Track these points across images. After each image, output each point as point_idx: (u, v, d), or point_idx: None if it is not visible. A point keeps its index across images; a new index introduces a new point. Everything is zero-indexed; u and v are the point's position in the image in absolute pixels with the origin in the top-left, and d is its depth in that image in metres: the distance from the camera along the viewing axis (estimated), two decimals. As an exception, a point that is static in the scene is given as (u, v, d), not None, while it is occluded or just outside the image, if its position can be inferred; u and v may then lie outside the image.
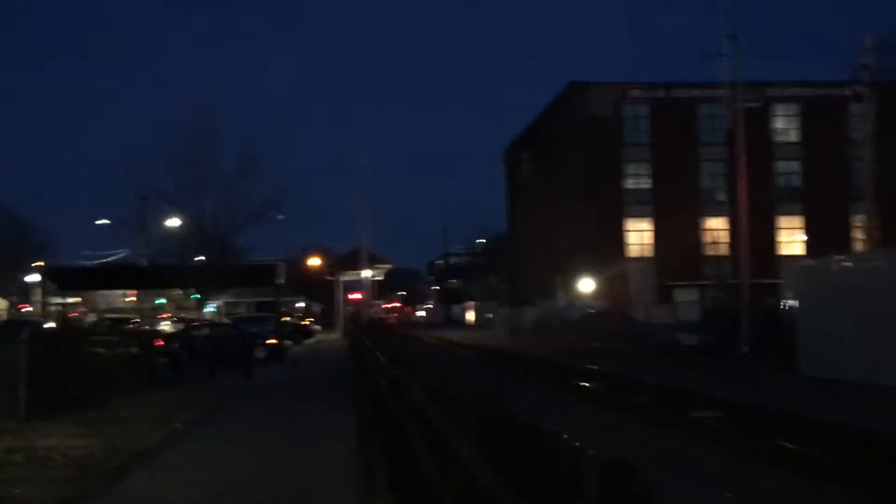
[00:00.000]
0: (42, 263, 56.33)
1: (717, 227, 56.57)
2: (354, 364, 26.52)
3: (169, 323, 55.13)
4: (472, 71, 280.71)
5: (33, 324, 36.01)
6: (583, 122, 59.27)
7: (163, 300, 66.47)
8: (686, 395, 17.73)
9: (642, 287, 55.92)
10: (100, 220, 51.83)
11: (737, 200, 30.77)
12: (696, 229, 56.88)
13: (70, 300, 58.74)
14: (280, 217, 29.59)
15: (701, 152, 58.37)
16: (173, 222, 31.24)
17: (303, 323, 64.53)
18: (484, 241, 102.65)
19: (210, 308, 64.80)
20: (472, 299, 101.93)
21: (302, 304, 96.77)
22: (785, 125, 59.70)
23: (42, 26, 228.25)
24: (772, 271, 50.16)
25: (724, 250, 53.70)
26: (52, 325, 40.38)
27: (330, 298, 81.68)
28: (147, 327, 40.44)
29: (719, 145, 52.90)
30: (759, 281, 41.26)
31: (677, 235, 54.63)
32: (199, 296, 29.62)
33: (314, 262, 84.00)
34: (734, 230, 39.57)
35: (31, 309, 65.28)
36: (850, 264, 21.13)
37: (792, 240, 58.43)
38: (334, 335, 64.19)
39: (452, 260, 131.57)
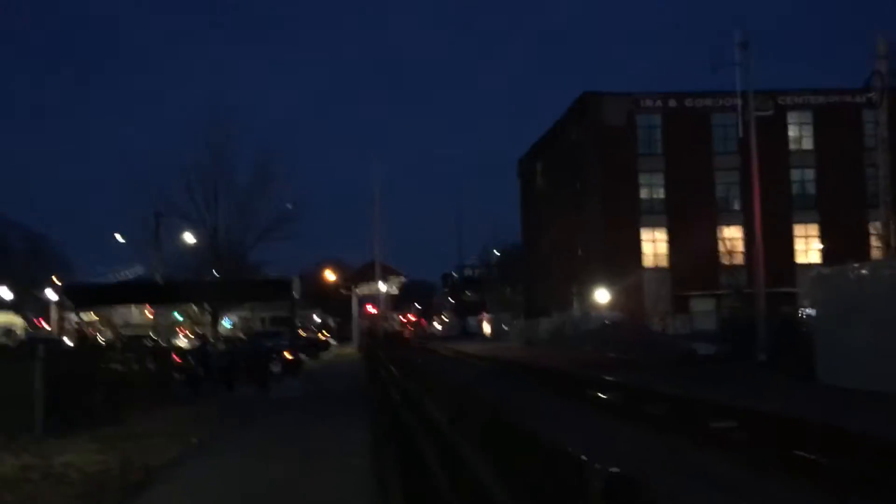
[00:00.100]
0: (58, 281, 56.68)
1: (732, 236, 56.36)
2: (370, 377, 26.51)
3: (185, 338, 55.39)
4: (487, 82, 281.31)
5: (51, 341, 36.20)
6: (596, 132, 59.29)
7: (179, 316, 66.76)
8: (703, 405, 17.59)
9: (658, 297, 55.72)
10: (117, 236, 52.19)
11: (751, 209, 30.64)
12: (711, 238, 56.67)
13: (86, 317, 58.99)
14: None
15: (715, 161, 58.23)
16: (188, 238, 31.37)
17: (319, 337, 64.64)
18: (498, 252, 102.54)
19: (226, 323, 65.05)
20: (487, 311, 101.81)
21: (318, 318, 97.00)
22: (798, 133, 59.50)
23: (57, 41, 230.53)
24: (789, 280, 49.97)
25: (739, 259, 53.48)
26: (68, 341, 40.55)
27: (346, 312, 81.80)
28: (163, 343, 40.57)
29: (733, 154, 52.77)
30: (775, 289, 41.06)
31: (692, 245, 54.42)
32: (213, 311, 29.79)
33: (330, 275, 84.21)
34: (749, 239, 39.44)
35: (48, 327, 65.68)
36: (866, 272, 20.97)
37: (808, 248, 58.12)
38: (350, 349, 64.23)
39: (467, 272, 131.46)
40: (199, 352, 32.56)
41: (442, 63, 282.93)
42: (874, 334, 19.45)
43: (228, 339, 40.87)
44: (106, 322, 71.11)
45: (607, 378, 26.27)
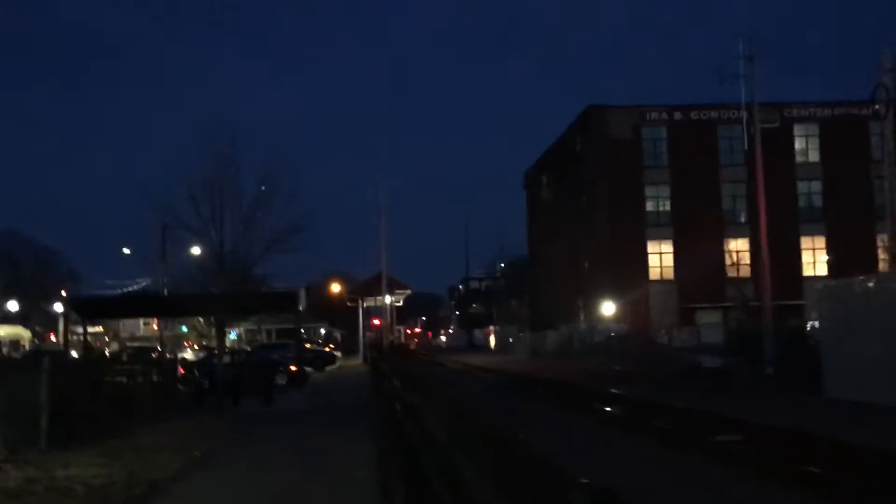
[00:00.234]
0: (64, 293, 56.87)
1: (738, 248, 56.26)
2: (375, 390, 26.50)
3: (190, 351, 55.44)
4: (493, 95, 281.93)
5: (57, 353, 36.28)
6: (602, 145, 59.34)
7: (185, 328, 66.85)
8: (709, 419, 17.56)
9: (664, 309, 55.60)
10: (124, 249, 52.35)
11: (757, 221, 30.58)
12: (717, 251, 56.54)
13: (92, 329, 59.14)
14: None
15: (721, 173, 58.21)
16: (194, 250, 31.40)
17: (324, 349, 64.59)
18: (505, 265, 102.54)
19: (232, 336, 65.06)
20: (493, 324, 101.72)
21: (324, 331, 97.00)
22: (805, 145, 59.44)
23: (65, 55, 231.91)
24: (795, 292, 49.80)
25: (746, 272, 53.36)
26: (74, 353, 40.64)
27: (352, 324, 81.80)
28: (169, 356, 40.61)
29: (739, 166, 52.77)
30: (782, 302, 40.92)
31: (699, 257, 54.31)
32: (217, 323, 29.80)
33: (335, 288, 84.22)
34: (756, 251, 39.37)
35: (53, 339, 65.89)
36: (872, 285, 20.90)
37: (815, 260, 57.97)
38: (356, 361, 64.17)
39: (473, 284, 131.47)
40: (205, 364, 32.58)
41: (449, 75, 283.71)
42: (880, 347, 19.37)
43: (234, 352, 40.91)
44: (112, 334, 71.34)
45: (613, 391, 26.24)
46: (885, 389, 18.84)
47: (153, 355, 38.61)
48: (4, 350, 47.82)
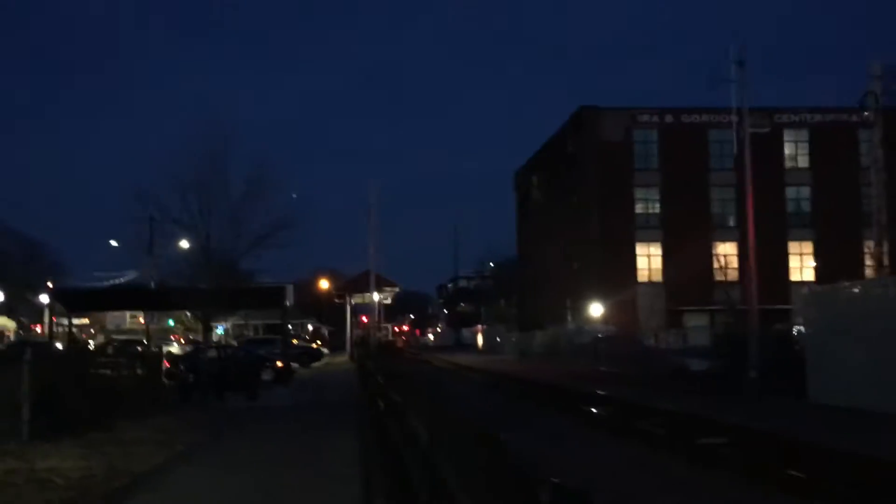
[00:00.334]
0: (51, 285, 56.60)
1: (727, 252, 56.42)
2: (361, 387, 26.46)
3: (177, 345, 55.23)
4: (485, 95, 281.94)
5: (42, 345, 36.08)
6: (593, 147, 59.39)
7: (171, 322, 66.62)
8: (693, 421, 17.60)
9: (652, 311, 55.73)
10: (111, 241, 52.15)
11: (746, 225, 30.65)
12: (706, 254, 56.71)
13: (78, 322, 58.86)
14: (293, 195, 29.49)
15: (711, 177, 58.37)
16: (182, 244, 31.31)
17: (311, 346, 64.47)
18: (494, 264, 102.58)
19: (218, 330, 64.85)
20: (481, 323, 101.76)
21: (311, 327, 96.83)
22: (794, 151, 59.66)
23: (55, 48, 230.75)
24: (783, 297, 50.02)
25: (734, 275, 53.51)
26: (59, 345, 40.45)
27: (340, 321, 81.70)
28: (154, 349, 40.47)
29: (729, 170, 52.90)
30: (769, 306, 41.02)
31: (687, 260, 54.45)
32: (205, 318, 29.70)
33: (324, 284, 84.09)
34: (744, 255, 39.44)
35: (39, 330, 65.57)
36: (857, 290, 20.98)
37: (803, 265, 58.20)
38: (343, 358, 64.09)
39: (462, 283, 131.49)
40: (190, 359, 32.48)
41: (441, 75, 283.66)
42: (865, 353, 19.44)
43: (220, 347, 40.80)
44: (98, 327, 71.05)
45: (599, 392, 26.27)
46: (869, 395, 18.91)
47: (138, 349, 38.45)
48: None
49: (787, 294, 51.35)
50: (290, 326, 59.82)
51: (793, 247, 58.63)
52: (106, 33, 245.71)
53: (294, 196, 27.12)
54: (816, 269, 55.99)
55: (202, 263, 26.56)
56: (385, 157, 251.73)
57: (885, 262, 27.62)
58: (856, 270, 43.05)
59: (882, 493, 10.77)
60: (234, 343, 51.25)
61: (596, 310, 56.04)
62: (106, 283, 64.07)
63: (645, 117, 59.69)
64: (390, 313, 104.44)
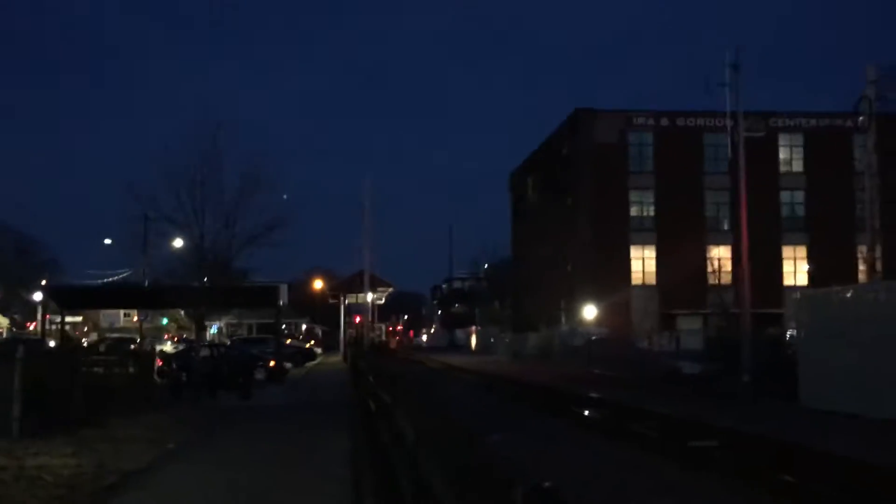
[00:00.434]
0: (45, 282, 56.47)
1: (721, 255, 56.51)
2: (354, 387, 26.45)
3: (170, 343, 55.17)
4: (480, 97, 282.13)
5: (34, 342, 36.01)
6: (588, 149, 59.45)
7: (165, 320, 66.54)
8: (685, 425, 17.65)
9: (645, 314, 55.80)
10: (106, 239, 52.01)
11: (740, 229, 30.72)
12: (700, 257, 56.79)
13: (71, 319, 58.74)
14: (284, 197, 29.51)
15: (705, 181, 58.46)
16: (176, 243, 31.26)
17: (305, 345, 64.44)
18: (488, 265, 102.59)
19: (212, 329, 64.75)
20: (475, 324, 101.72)
21: (305, 327, 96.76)
22: (789, 155, 59.81)
23: (49, 46, 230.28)
24: (776, 301, 50.10)
25: (727, 279, 53.58)
26: (51, 342, 40.38)
27: (334, 321, 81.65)
28: (147, 347, 40.41)
29: (724, 174, 52.94)
30: (763, 310, 41.05)
31: (681, 263, 54.54)
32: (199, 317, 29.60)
33: (318, 284, 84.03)
34: (737, 259, 39.54)
35: (32, 328, 65.43)
36: (850, 295, 21.03)
37: (796, 269, 58.33)
38: (336, 358, 64.05)
39: (456, 284, 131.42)
40: (183, 357, 32.44)
41: (438, 76, 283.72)
42: (856, 358, 19.49)
43: (213, 345, 40.72)
44: (92, 324, 70.96)
45: (592, 395, 26.31)
46: (859, 400, 18.96)
47: (131, 347, 38.41)
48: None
49: (781, 298, 51.44)
50: (283, 326, 59.76)
51: (786, 251, 58.76)
52: (104, 32, 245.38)
53: (285, 197, 27.13)
54: (810, 273, 56.13)
55: (196, 262, 26.48)
56: (380, 157, 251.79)
57: (878, 267, 27.66)
58: (849, 275, 43.15)
59: (871, 496, 10.81)
60: (228, 342, 51.22)
61: (590, 312, 56.09)
62: (100, 282, 63.94)
63: (640, 120, 59.79)
64: (384, 314, 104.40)
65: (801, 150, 59.69)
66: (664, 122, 59.59)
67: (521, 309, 75.17)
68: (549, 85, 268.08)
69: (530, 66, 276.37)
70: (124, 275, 60.56)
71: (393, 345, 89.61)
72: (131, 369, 24.17)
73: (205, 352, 32.47)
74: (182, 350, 39.14)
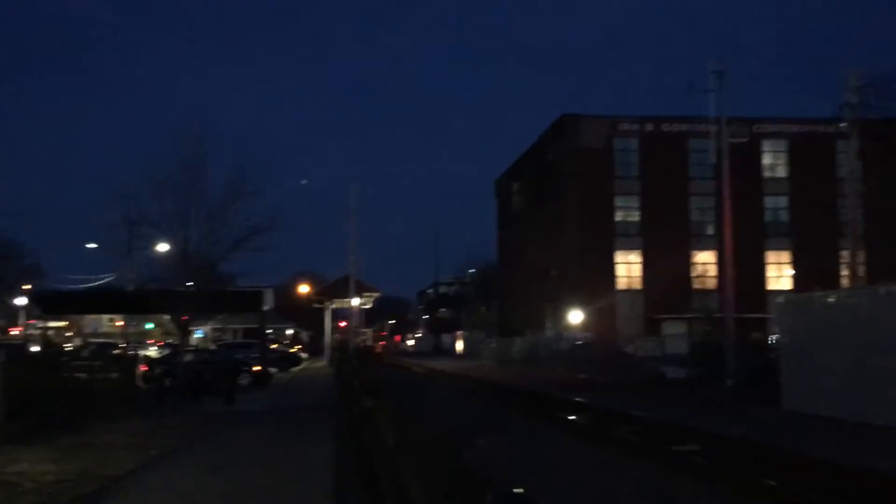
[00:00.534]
0: (29, 287, 56.13)
1: (705, 260, 56.73)
2: (338, 392, 26.40)
3: (155, 348, 54.89)
4: (467, 103, 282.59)
5: (16, 347, 35.78)
6: (573, 155, 59.55)
7: (151, 325, 66.20)
8: (668, 429, 17.72)
9: (630, 319, 55.93)
10: (89, 244, 51.69)
11: (724, 234, 30.90)
12: (684, 262, 57.01)
13: (54, 324, 58.39)
14: (303, 182, 29.31)
15: (690, 186, 58.67)
16: (160, 247, 31.14)
17: (290, 350, 64.27)
18: (474, 270, 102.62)
19: (197, 334, 64.43)
20: (461, 329, 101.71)
21: (290, 331, 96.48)
22: (773, 161, 60.12)
23: (32, 48, 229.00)
24: (760, 305, 50.36)
25: (712, 284, 53.81)
26: (34, 347, 40.14)
27: (319, 326, 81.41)
28: (131, 352, 40.22)
29: (708, 179, 53.15)
30: (747, 315, 41.27)
31: (666, 268, 54.72)
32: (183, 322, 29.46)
33: (303, 289, 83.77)
34: (721, 264, 39.75)
35: (17, 333, 64.96)
36: (832, 300, 21.16)
37: (780, 274, 58.62)
38: (321, 363, 63.90)
39: (442, 289, 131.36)
40: (167, 362, 32.31)
41: (423, 82, 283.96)
42: (838, 362, 19.61)
43: (198, 350, 40.56)
44: (76, 329, 70.52)
45: (577, 399, 26.37)
46: (843, 404, 19.07)
47: (115, 352, 38.22)
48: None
49: (765, 303, 51.70)
50: (269, 331, 59.58)
51: (770, 256, 59.03)
52: (87, 33, 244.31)
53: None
54: (794, 278, 56.42)
55: (180, 266, 26.40)
56: (367, 162, 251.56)
57: (861, 272, 27.87)
58: (832, 280, 43.38)
59: (850, 499, 10.88)
60: (213, 347, 51.01)
61: (575, 317, 56.17)
62: (84, 286, 63.57)
63: (625, 125, 59.96)
64: (370, 318, 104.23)
65: (784, 155, 60.02)
66: (649, 127, 59.78)
67: (508, 314, 75.24)
68: (536, 91, 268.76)
69: (517, 72, 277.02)
70: (108, 279, 60.26)
71: (378, 349, 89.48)
72: (115, 374, 24.10)
73: (189, 357, 32.36)
74: (166, 355, 38.97)
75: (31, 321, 52.33)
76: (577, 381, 37.36)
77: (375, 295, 75.65)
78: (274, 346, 61.35)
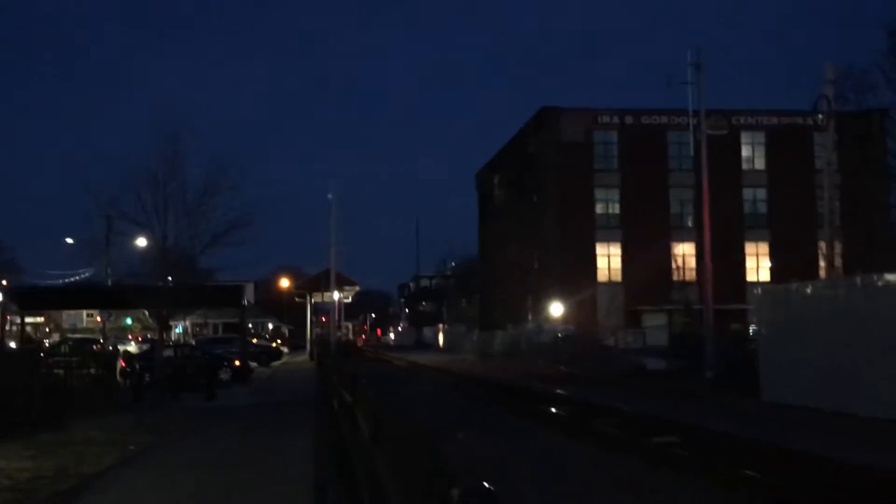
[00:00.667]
0: (4, 283, 55.62)
1: (685, 252, 57.00)
2: (319, 386, 26.35)
3: (134, 344, 54.57)
4: (448, 96, 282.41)
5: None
6: (554, 147, 59.63)
7: (129, 321, 65.77)
8: (648, 421, 17.80)
9: (611, 311, 56.12)
10: (66, 239, 51.25)
11: (703, 226, 31.05)
12: (664, 254, 57.24)
13: (32, 320, 57.83)
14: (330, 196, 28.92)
15: (670, 178, 58.92)
16: (139, 242, 30.93)
17: (271, 345, 64.07)
18: (455, 263, 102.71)
19: (177, 329, 64.11)
20: (442, 322, 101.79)
21: (271, 326, 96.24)
22: (751, 153, 60.43)
23: (9, 45, 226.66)
24: (739, 297, 50.63)
25: (691, 275, 54.08)
26: (11, 344, 39.80)
27: (300, 320, 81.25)
28: (110, 348, 39.96)
29: (688, 171, 53.43)
30: (726, 306, 41.52)
31: (646, 260, 54.92)
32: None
33: (284, 283, 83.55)
34: (701, 256, 39.99)
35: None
36: (809, 291, 21.32)
37: (759, 266, 58.98)
38: (303, 357, 63.76)
39: (424, 283, 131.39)
40: (146, 358, 32.11)
41: (403, 75, 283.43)
42: (815, 353, 19.76)
43: (177, 346, 40.34)
44: (54, 325, 70.00)
45: (557, 392, 26.45)
46: (820, 394, 19.23)
47: (94, 348, 37.95)
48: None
49: (744, 294, 51.89)
50: (249, 325, 59.36)
51: (749, 247, 59.37)
52: (65, 28, 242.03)
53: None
54: (772, 269, 56.80)
55: (159, 261, 26.24)
56: (347, 156, 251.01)
57: (838, 263, 28.09)
58: (810, 271, 43.69)
59: (825, 488, 10.97)
60: (193, 342, 50.78)
61: (556, 309, 56.31)
62: (61, 282, 63.11)
63: (605, 118, 60.09)
64: (351, 312, 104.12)
65: (763, 147, 60.35)
66: (629, 119, 59.94)
67: (489, 307, 75.33)
68: (517, 84, 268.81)
69: (498, 66, 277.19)
70: (86, 275, 59.82)
71: (360, 343, 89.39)
72: (93, 370, 23.93)
73: (168, 352, 32.17)
74: (145, 350, 38.75)
75: (8, 317, 51.79)
76: (558, 373, 37.46)
77: (356, 289, 75.63)
78: (255, 340, 61.15)
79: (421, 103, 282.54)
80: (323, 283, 66.66)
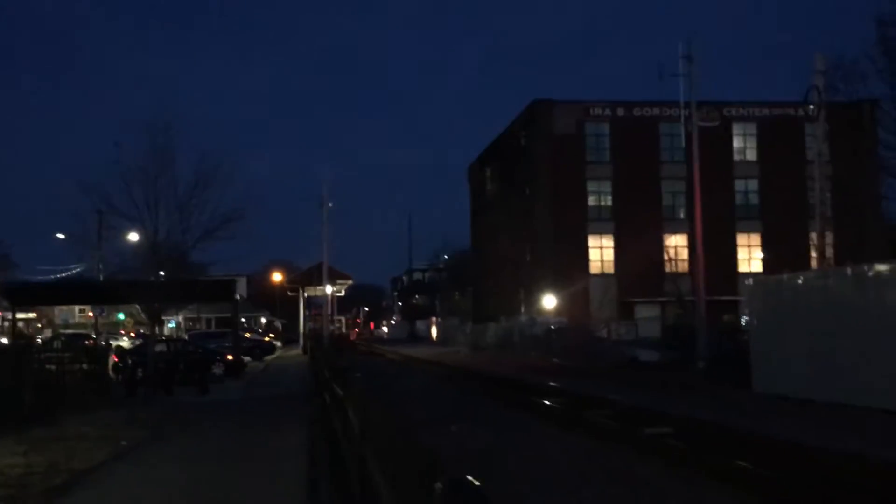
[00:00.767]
0: (-3, 278, 55.42)
1: (677, 243, 57.09)
2: (312, 380, 26.35)
3: (127, 339, 54.49)
4: (440, 89, 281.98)
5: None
6: (545, 140, 59.64)
7: (122, 316, 65.68)
8: (641, 413, 17.84)
9: (604, 303, 56.21)
10: (57, 234, 51.08)
11: (695, 218, 31.11)
12: (657, 246, 57.33)
13: (24, 316, 57.74)
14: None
15: (662, 170, 58.99)
16: (130, 237, 30.82)
17: (264, 339, 64.05)
18: (448, 256, 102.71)
19: (170, 324, 64.01)
20: (435, 315, 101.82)
21: (264, 320, 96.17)
22: (743, 144, 60.52)
23: (6, 40, 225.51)
24: (731, 288, 50.74)
25: (684, 267, 54.18)
26: (4, 340, 39.71)
27: (293, 314, 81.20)
28: (102, 343, 39.88)
29: (679, 163, 53.48)
30: (718, 298, 41.55)
31: (638, 252, 55.01)
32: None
33: (277, 277, 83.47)
34: (693, 247, 40.06)
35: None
36: (800, 281, 21.37)
37: (751, 257, 59.13)
38: (296, 351, 63.74)
39: (416, 276, 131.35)
40: (139, 353, 32.07)
41: (397, 67, 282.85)
42: (806, 343, 19.83)
43: (170, 340, 40.28)
44: (45, 321, 69.86)
45: (551, 384, 26.48)
46: (811, 385, 19.30)
47: (86, 343, 37.88)
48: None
49: (736, 285, 52.06)
50: (242, 320, 59.31)
51: (741, 238, 59.50)
52: (55, 22, 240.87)
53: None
54: (764, 260, 56.93)
55: (150, 256, 26.13)
56: (339, 150, 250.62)
57: (829, 253, 28.18)
58: (802, 262, 43.84)
59: (817, 479, 11.02)
60: (186, 336, 50.70)
61: (549, 301, 56.38)
62: (53, 277, 62.91)
63: (597, 110, 60.09)
64: (344, 306, 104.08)
65: (754, 138, 60.45)
66: (620, 112, 59.96)
67: (481, 299, 75.41)
68: (509, 77, 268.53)
69: (490, 58, 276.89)
70: (77, 270, 59.65)
71: (353, 337, 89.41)
72: (85, 366, 23.88)
73: (161, 347, 32.12)
74: (138, 345, 38.69)
75: (2, 313, 51.70)
76: (551, 365, 37.51)
77: (349, 282, 75.56)
78: (248, 334, 61.13)
79: (415, 97, 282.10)
80: (316, 277, 66.58)
